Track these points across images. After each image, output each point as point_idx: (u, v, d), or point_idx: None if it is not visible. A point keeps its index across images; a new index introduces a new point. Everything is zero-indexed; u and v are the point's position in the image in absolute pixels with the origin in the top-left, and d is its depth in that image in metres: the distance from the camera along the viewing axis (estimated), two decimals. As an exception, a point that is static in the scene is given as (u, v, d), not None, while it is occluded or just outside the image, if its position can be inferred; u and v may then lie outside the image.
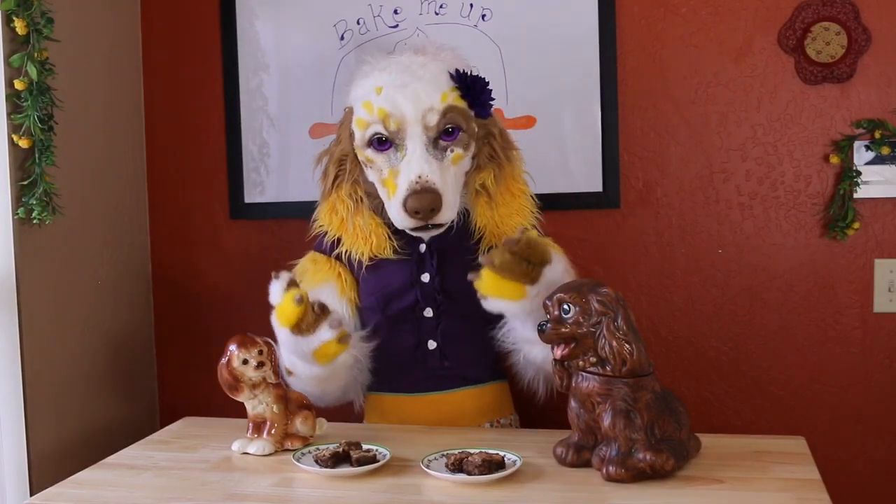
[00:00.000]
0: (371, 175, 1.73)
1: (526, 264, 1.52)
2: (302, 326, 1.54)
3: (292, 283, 1.56)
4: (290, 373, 1.66)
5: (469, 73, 1.72)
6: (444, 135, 1.68)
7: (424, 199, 1.62)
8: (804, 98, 2.01)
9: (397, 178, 1.66)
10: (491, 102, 1.75)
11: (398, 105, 1.66)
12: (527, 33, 2.09)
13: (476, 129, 1.73)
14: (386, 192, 1.69)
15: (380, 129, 1.68)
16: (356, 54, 2.16)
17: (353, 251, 1.74)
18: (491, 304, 1.57)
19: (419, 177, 1.64)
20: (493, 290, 1.54)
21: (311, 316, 1.54)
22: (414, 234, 1.71)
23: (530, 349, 1.67)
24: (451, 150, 1.68)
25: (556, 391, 1.78)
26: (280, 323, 1.56)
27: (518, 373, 1.77)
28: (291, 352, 1.60)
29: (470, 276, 1.56)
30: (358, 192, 1.74)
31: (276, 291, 1.56)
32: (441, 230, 1.71)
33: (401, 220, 1.67)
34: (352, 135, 1.74)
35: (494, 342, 1.81)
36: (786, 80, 2.02)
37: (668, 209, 2.09)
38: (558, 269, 1.60)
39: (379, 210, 1.75)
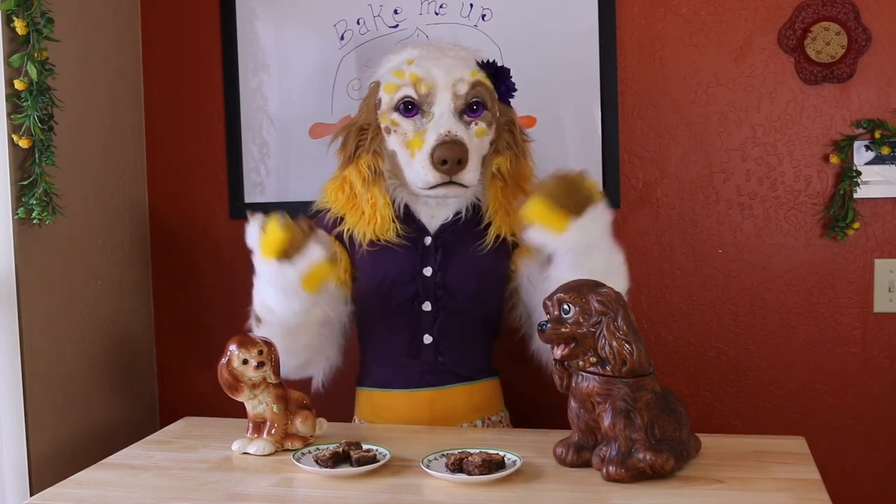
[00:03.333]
0: (392, 142, 1.72)
1: (576, 198, 1.54)
2: (290, 251, 1.54)
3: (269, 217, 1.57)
4: (259, 320, 1.65)
5: (495, 61, 1.76)
6: (468, 111, 1.70)
7: (453, 150, 1.63)
8: (804, 98, 2.01)
9: (424, 135, 1.67)
10: (514, 92, 1.78)
11: (430, 72, 1.69)
12: (527, 33, 2.09)
13: (498, 114, 1.75)
14: (409, 151, 1.69)
15: (410, 91, 1.69)
16: (357, 54, 2.16)
17: (356, 231, 1.73)
18: (534, 232, 1.57)
19: (448, 131, 1.65)
20: (539, 215, 1.55)
21: (300, 235, 1.54)
22: (433, 193, 1.68)
23: (558, 272, 1.65)
24: (476, 125, 1.70)
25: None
26: (265, 254, 1.56)
27: (539, 356, 1.76)
28: (275, 286, 1.59)
29: (517, 203, 1.58)
30: (378, 164, 1.73)
31: (254, 230, 1.57)
32: (460, 197, 1.72)
33: (425, 173, 1.66)
34: (376, 105, 1.74)
35: (489, 340, 1.82)
36: (786, 80, 2.02)
37: (668, 209, 2.09)
38: (602, 210, 1.59)
39: (389, 194, 1.75)
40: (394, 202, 1.75)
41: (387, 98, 1.72)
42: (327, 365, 1.79)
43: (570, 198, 1.54)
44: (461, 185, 1.66)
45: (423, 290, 1.74)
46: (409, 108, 1.69)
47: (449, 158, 1.63)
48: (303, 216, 1.58)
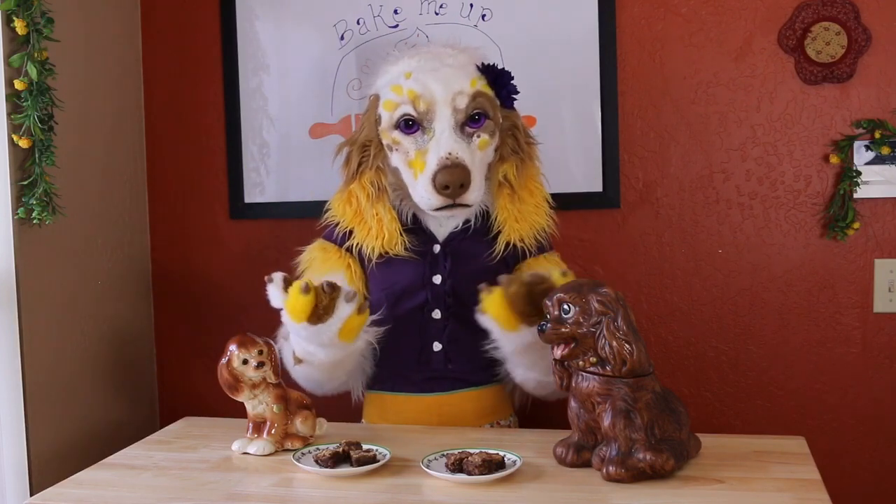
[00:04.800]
0: (395, 159, 1.72)
1: (533, 308, 1.53)
2: (319, 314, 1.53)
3: (288, 281, 1.55)
4: (299, 361, 1.64)
5: (495, 65, 1.75)
6: (470, 121, 1.69)
7: (455, 174, 1.62)
8: (804, 98, 2.01)
9: (426, 156, 1.66)
10: (515, 95, 1.76)
11: (428, 87, 1.68)
12: (527, 33, 2.09)
13: (501, 120, 1.74)
14: (412, 172, 1.69)
15: (409, 109, 1.68)
16: (357, 54, 2.16)
17: (365, 245, 1.73)
18: (484, 319, 1.58)
19: (449, 153, 1.64)
20: (493, 310, 1.56)
21: (325, 298, 1.52)
22: (439, 214, 1.70)
23: (511, 368, 1.70)
24: (478, 136, 1.69)
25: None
26: (295, 320, 1.53)
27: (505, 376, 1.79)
28: (312, 343, 1.58)
29: (481, 287, 1.57)
30: (382, 180, 1.73)
31: (276, 293, 1.54)
32: (466, 212, 1.72)
33: (428, 197, 1.66)
34: (377, 120, 1.74)
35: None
36: (786, 80, 2.02)
37: (668, 209, 2.09)
38: None
39: (396, 206, 1.75)
40: (401, 213, 1.75)
41: (386, 116, 1.71)
42: (364, 377, 1.81)
43: (530, 306, 1.53)
44: (465, 205, 1.67)
45: (432, 298, 1.74)
46: (410, 124, 1.69)
47: (451, 184, 1.63)
48: (325, 280, 1.55)
